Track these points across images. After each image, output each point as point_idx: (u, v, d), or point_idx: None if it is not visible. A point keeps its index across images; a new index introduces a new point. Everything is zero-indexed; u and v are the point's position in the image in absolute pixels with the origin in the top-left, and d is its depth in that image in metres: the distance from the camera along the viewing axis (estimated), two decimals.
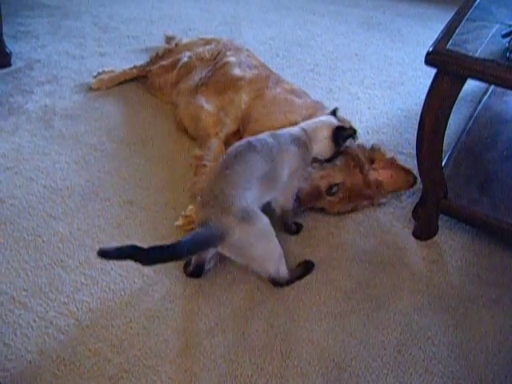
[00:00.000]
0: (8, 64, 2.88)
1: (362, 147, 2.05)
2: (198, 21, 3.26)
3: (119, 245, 1.44)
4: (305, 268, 1.83)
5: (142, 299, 1.76)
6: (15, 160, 2.30)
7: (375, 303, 1.76)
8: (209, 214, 1.57)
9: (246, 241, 1.59)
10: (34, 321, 1.71)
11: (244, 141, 1.76)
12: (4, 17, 2.75)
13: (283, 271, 1.72)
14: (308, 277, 1.82)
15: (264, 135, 1.78)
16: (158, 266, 1.84)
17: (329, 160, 1.92)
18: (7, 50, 2.87)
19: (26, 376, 1.57)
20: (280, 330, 1.68)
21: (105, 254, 1.40)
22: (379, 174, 2.00)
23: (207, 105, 2.28)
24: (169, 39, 2.88)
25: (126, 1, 3.58)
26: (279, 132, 1.83)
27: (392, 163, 2.03)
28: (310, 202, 1.96)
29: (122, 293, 1.78)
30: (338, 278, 1.83)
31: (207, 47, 2.56)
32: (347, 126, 1.94)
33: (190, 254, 1.64)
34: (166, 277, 1.83)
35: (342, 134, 1.86)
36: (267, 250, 1.66)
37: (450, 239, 1.95)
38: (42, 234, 1.98)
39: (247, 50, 2.57)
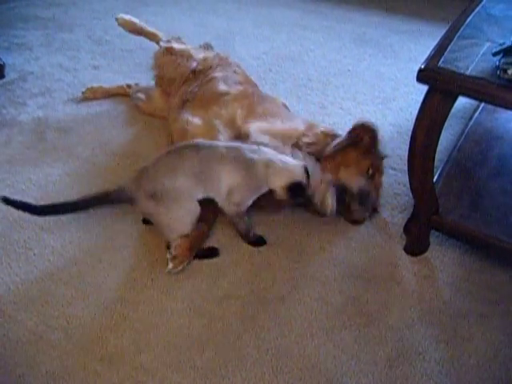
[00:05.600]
0: (1, 76, 2.89)
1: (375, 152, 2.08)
2: (191, 35, 3.26)
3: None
4: (209, 252, 1.96)
5: (133, 314, 1.75)
6: (7, 172, 2.29)
7: (366, 319, 1.76)
8: (130, 183, 1.86)
9: (150, 213, 1.87)
10: (24, 334, 1.69)
11: (195, 140, 1.94)
12: None
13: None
14: (299, 292, 1.83)
15: (224, 143, 1.96)
16: (149, 281, 1.85)
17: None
18: (1, 62, 2.88)
19: None
20: (271, 345, 1.68)
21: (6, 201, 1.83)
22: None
23: (193, 118, 2.24)
24: None
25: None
26: (243, 150, 1.89)
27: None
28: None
29: (113, 307, 1.77)
30: (329, 293, 1.83)
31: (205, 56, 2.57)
32: (305, 183, 1.88)
33: (91, 206, 1.94)
34: (157, 291, 1.82)
35: (296, 191, 1.87)
36: (169, 223, 1.86)
37: (441, 255, 1.95)
38: (34, 246, 1.97)
39: (237, 65, 2.58)
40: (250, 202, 1.91)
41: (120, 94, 2.76)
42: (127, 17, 2.87)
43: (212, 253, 1.95)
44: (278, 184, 1.87)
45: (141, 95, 2.64)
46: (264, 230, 2.03)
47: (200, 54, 2.59)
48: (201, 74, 2.47)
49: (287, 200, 1.91)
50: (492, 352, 1.66)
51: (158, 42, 2.80)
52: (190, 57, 2.57)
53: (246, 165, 1.86)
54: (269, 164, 1.86)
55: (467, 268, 1.91)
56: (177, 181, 1.80)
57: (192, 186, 1.83)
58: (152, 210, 1.84)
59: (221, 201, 1.89)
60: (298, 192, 1.87)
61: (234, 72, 2.48)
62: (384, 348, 1.67)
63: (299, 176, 1.86)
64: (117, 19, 2.85)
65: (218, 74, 2.43)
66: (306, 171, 1.87)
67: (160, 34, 2.85)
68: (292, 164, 1.89)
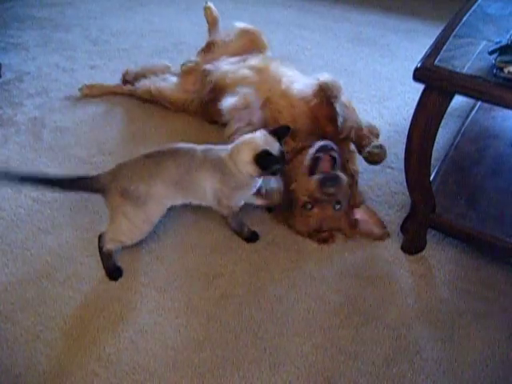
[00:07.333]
0: None
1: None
2: (188, 34, 3.27)
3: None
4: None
5: (131, 313, 1.76)
6: None
7: (364, 317, 1.76)
8: (106, 174, 1.81)
9: (116, 206, 1.79)
10: (21, 335, 1.69)
11: (175, 144, 1.88)
12: None
13: (116, 246, 1.87)
14: (297, 291, 1.83)
15: (201, 147, 1.88)
16: (146, 281, 1.84)
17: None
18: None
19: None
20: (268, 344, 1.68)
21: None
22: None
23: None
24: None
25: (117, 14, 3.60)
26: (214, 150, 1.87)
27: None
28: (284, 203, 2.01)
29: (110, 306, 1.77)
30: (326, 292, 1.83)
31: None
32: (276, 149, 1.78)
33: (67, 187, 1.85)
34: (154, 290, 1.82)
35: (266, 159, 1.76)
36: (125, 227, 1.82)
37: (438, 253, 1.95)
38: (30, 246, 1.97)
39: None
40: (241, 201, 1.92)
41: (117, 93, 2.76)
42: (214, 8, 2.88)
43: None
44: (245, 162, 1.78)
45: (173, 79, 2.65)
46: (261, 229, 2.03)
47: None
48: None
49: (262, 175, 1.83)
50: (489, 350, 1.67)
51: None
52: None
53: (220, 165, 1.83)
54: (231, 151, 1.84)
55: (464, 266, 1.91)
56: (153, 187, 1.77)
57: (170, 194, 1.83)
58: (118, 205, 1.78)
59: (212, 205, 1.91)
60: (267, 161, 1.76)
61: None
62: (381, 347, 1.67)
63: (260, 144, 1.77)
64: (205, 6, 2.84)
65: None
66: (272, 134, 1.80)
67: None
68: (248, 136, 1.84)
